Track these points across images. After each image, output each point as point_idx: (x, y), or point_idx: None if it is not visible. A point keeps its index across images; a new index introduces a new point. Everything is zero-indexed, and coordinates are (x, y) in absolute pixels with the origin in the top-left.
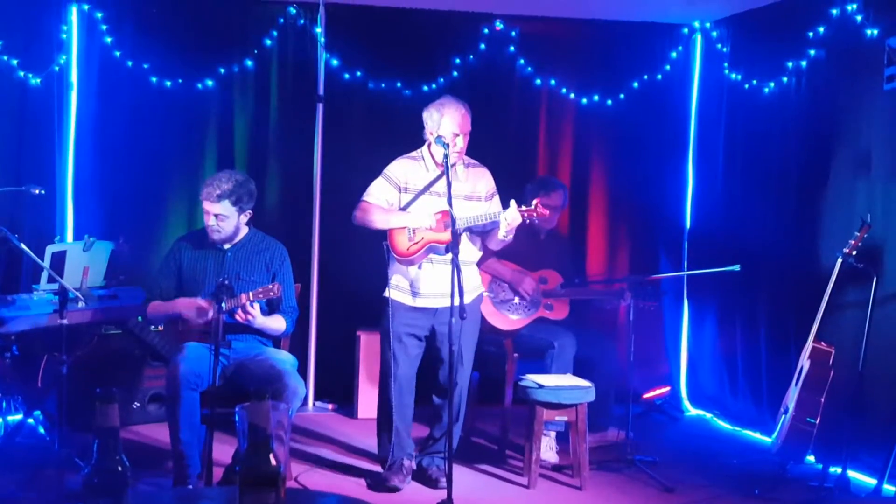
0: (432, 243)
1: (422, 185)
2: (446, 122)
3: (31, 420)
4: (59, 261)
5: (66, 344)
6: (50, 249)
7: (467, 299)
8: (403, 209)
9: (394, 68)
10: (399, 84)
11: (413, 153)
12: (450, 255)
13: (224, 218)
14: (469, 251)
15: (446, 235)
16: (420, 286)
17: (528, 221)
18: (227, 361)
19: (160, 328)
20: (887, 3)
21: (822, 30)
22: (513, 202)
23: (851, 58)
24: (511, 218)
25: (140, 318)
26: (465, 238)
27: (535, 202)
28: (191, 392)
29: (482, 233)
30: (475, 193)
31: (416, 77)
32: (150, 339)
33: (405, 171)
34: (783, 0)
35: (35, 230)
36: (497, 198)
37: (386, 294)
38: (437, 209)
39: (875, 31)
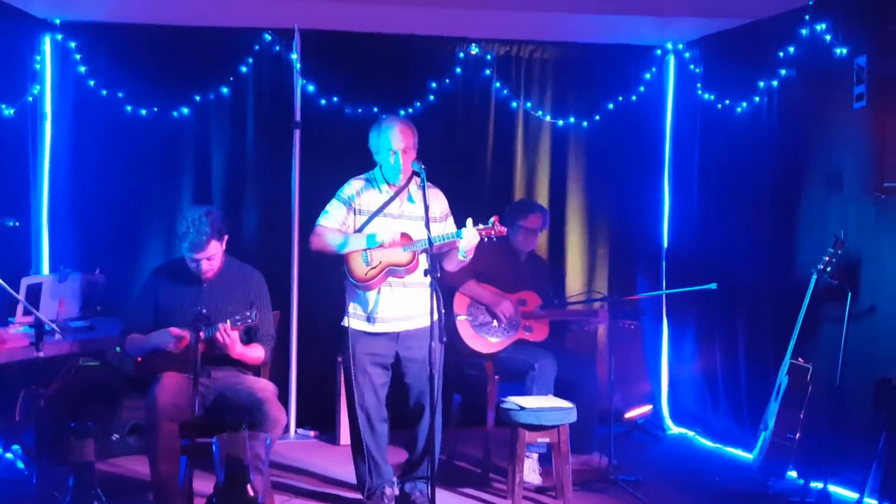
0: (392, 266)
1: (375, 206)
2: (384, 139)
3: (9, 455)
4: (34, 293)
5: (43, 377)
6: (25, 281)
7: (424, 323)
8: (358, 231)
9: (370, 93)
10: (376, 109)
11: (363, 175)
12: (408, 277)
13: (214, 256)
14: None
15: (406, 257)
16: (378, 311)
17: (485, 240)
18: (206, 391)
19: (139, 359)
20: (856, 22)
21: (792, 50)
22: (469, 221)
23: (822, 77)
24: (468, 237)
25: (118, 348)
26: (422, 259)
27: (492, 220)
28: (170, 423)
29: (440, 255)
30: (431, 215)
31: (392, 102)
32: (129, 370)
33: (357, 191)
34: (754, 21)
35: (9, 262)
36: (451, 219)
37: (344, 323)
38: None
39: (844, 51)
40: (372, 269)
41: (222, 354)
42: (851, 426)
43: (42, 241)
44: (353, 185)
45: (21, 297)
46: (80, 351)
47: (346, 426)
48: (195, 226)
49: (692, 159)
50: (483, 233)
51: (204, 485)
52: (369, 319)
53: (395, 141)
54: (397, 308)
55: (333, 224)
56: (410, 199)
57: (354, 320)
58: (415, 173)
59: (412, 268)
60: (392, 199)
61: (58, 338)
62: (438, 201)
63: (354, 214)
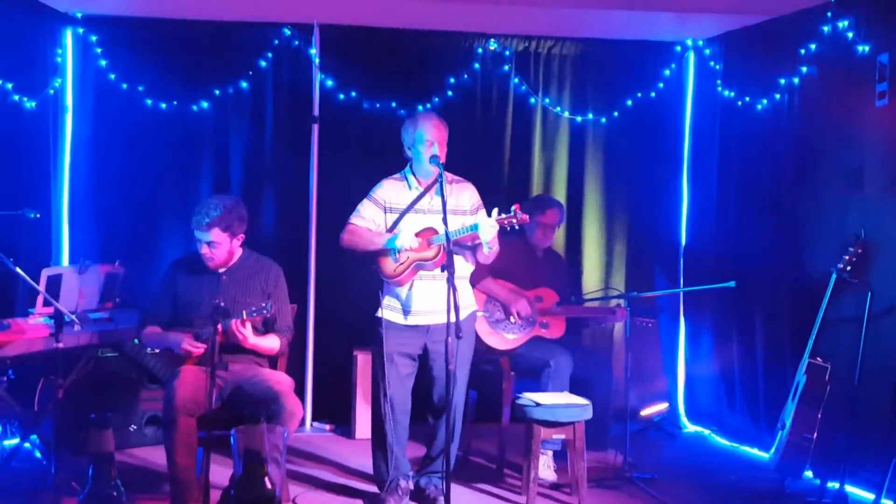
0: (419, 261)
1: (405, 203)
2: (420, 132)
3: (27, 444)
4: (54, 284)
5: (62, 367)
6: (45, 273)
7: (461, 316)
8: (390, 229)
9: (388, 88)
10: (394, 104)
11: (396, 174)
12: (438, 271)
13: (216, 245)
14: (461, 265)
15: (432, 252)
16: (412, 305)
17: (507, 228)
18: (223, 383)
19: (157, 350)
20: (878, 20)
21: (813, 47)
22: (494, 210)
23: (843, 74)
24: (489, 224)
25: (136, 340)
26: (454, 252)
27: (514, 208)
28: (188, 417)
29: (472, 247)
30: (459, 208)
31: (410, 97)
32: (147, 362)
33: (389, 191)
34: (775, 18)
35: (30, 254)
36: (483, 211)
37: (378, 314)
38: (421, 226)
39: (866, 48)
40: (400, 265)
41: (240, 346)
42: (869, 426)
43: (62, 233)
44: (384, 185)
45: (41, 288)
46: (98, 342)
47: (362, 420)
48: (206, 206)
49: (711, 157)
50: (505, 221)
51: (221, 476)
52: (404, 313)
53: (431, 133)
54: (429, 301)
55: (364, 223)
56: (440, 194)
57: (389, 311)
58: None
59: (440, 261)
60: (422, 195)
61: (77, 329)
62: (468, 193)
63: (385, 213)
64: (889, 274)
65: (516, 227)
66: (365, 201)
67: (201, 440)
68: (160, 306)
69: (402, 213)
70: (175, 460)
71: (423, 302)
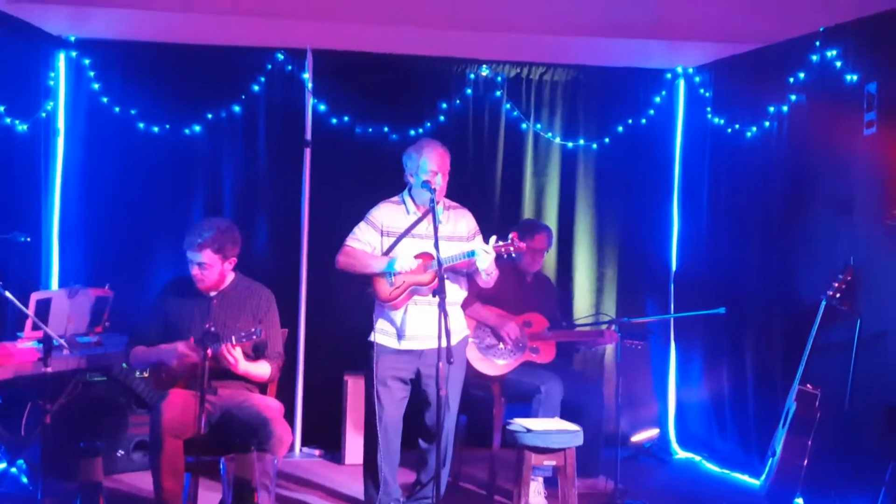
0: (414, 286)
1: (402, 227)
2: (424, 161)
3: (13, 469)
4: (43, 308)
5: (50, 392)
6: (34, 296)
7: (453, 341)
8: (386, 253)
9: (381, 113)
10: (386, 129)
11: (394, 198)
12: (433, 296)
13: (207, 266)
14: (454, 291)
15: (427, 277)
16: (406, 329)
17: (505, 255)
18: (212, 408)
19: (145, 374)
20: (866, 50)
21: (802, 75)
22: (492, 238)
23: (832, 103)
24: (485, 251)
25: (125, 364)
26: (448, 279)
27: (511, 235)
28: (174, 439)
29: (468, 274)
30: (456, 234)
31: (403, 122)
32: (135, 386)
33: (386, 214)
34: (764, 46)
35: (20, 277)
36: (480, 237)
37: (371, 338)
38: (418, 252)
39: (855, 77)
40: (396, 288)
41: (228, 370)
42: (860, 453)
43: (52, 257)
44: (381, 208)
45: (31, 311)
46: (87, 366)
47: (352, 445)
48: (199, 228)
49: (701, 183)
50: (503, 249)
51: (209, 502)
52: (397, 337)
53: (435, 162)
54: (424, 326)
55: (361, 245)
56: (438, 220)
57: (381, 336)
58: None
59: (435, 286)
60: (420, 220)
61: (66, 353)
62: (465, 220)
63: (382, 236)
64: (878, 301)
65: (513, 256)
66: (362, 224)
67: (189, 465)
68: (149, 329)
69: (400, 238)
70: (161, 484)
71: (417, 326)
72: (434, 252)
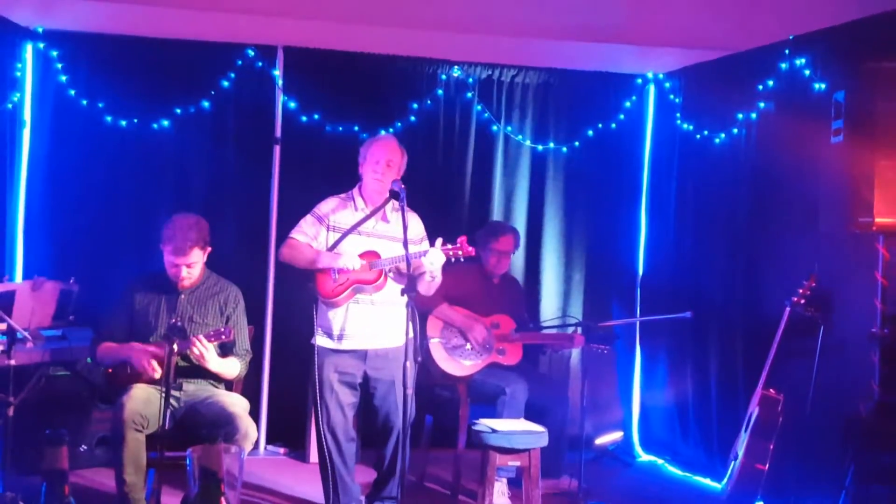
0: (357, 283)
1: (349, 224)
2: (373, 150)
3: None
4: (7, 300)
5: (14, 385)
6: None
7: (393, 343)
8: (330, 249)
9: (352, 112)
10: (356, 127)
11: (343, 194)
12: (375, 295)
13: (194, 264)
14: (395, 292)
15: (371, 275)
16: (347, 328)
17: (452, 260)
18: (177, 404)
19: (109, 370)
20: (835, 59)
21: (771, 83)
22: (438, 240)
23: (800, 111)
24: (432, 256)
25: (89, 359)
26: (390, 280)
27: (459, 240)
28: (136, 432)
29: (412, 276)
30: (401, 235)
31: (373, 121)
32: (98, 381)
33: (333, 209)
34: (734, 53)
35: None
36: (426, 242)
37: (313, 341)
38: (362, 249)
39: (823, 86)
40: (339, 285)
41: (196, 367)
42: (820, 459)
43: (16, 249)
44: (329, 203)
45: None
46: (51, 360)
47: (316, 444)
48: (182, 230)
49: (669, 188)
50: (450, 252)
51: (173, 499)
52: (337, 337)
53: (383, 153)
54: (364, 325)
55: (306, 239)
56: (385, 219)
57: (322, 338)
58: (393, 195)
59: (379, 286)
60: (367, 217)
61: (29, 346)
62: (415, 221)
63: (327, 231)
64: (841, 309)
65: (461, 260)
66: (308, 217)
67: (152, 461)
68: (116, 323)
69: (345, 234)
70: (123, 478)
71: (357, 325)
72: (380, 250)
